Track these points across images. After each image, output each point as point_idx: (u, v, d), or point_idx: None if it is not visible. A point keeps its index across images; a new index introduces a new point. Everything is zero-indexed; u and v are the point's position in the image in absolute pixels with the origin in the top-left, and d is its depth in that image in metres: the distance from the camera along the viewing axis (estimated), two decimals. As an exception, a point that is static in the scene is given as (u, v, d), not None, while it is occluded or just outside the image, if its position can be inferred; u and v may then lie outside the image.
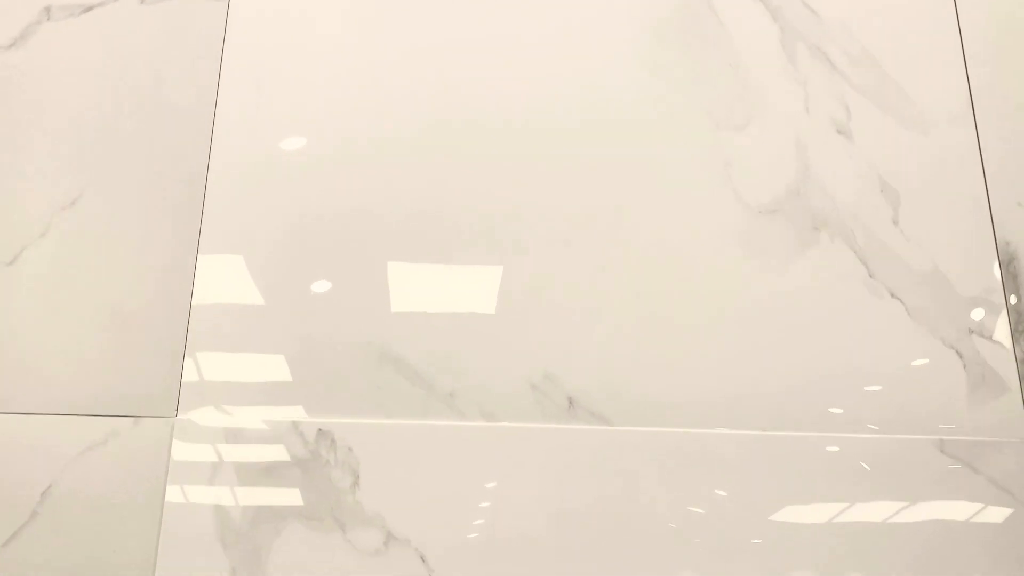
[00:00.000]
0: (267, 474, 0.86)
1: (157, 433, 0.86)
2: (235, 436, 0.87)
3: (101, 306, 0.90)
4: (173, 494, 0.84)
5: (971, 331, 0.98)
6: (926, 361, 0.96)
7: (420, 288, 0.94)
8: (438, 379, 0.91)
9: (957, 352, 0.96)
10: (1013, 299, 0.99)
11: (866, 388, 0.94)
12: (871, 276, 0.98)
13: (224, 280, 0.92)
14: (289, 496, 0.85)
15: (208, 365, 0.90)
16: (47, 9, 1.01)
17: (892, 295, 0.98)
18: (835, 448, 0.92)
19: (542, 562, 0.84)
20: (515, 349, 0.93)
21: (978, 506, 0.92)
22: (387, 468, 0.88)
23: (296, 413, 0.89)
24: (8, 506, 0.82)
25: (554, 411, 0.91)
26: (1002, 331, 0.97)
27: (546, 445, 0.90)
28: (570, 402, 0.91)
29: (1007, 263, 1.00)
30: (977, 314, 0.98)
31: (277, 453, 0.87)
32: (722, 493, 0.89)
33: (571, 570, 0.84)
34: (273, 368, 0.90)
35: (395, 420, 0.89)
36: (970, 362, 0.96)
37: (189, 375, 0.88)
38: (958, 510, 0.91)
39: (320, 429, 0.88)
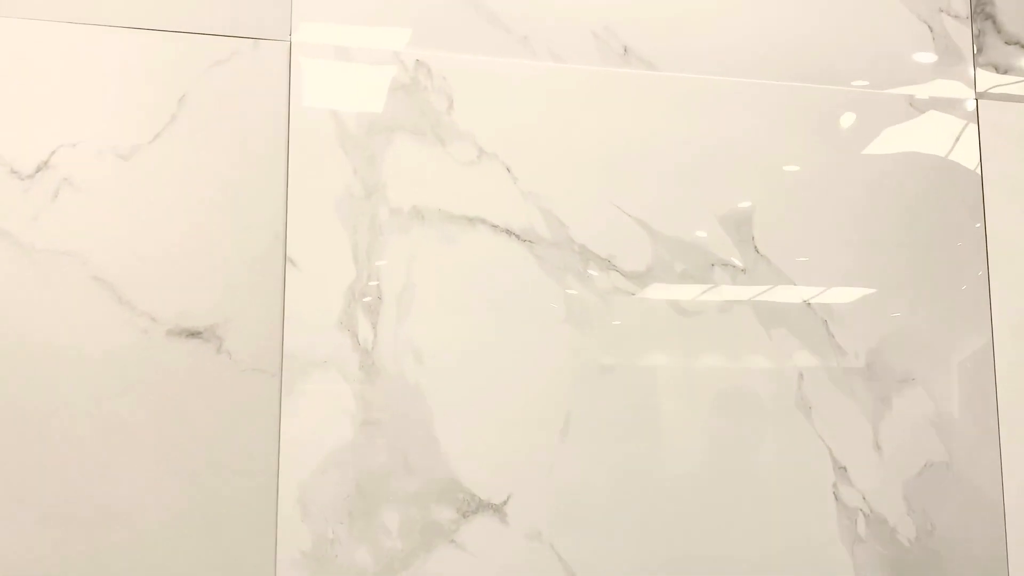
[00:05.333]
0: (375, 94, 1.00)
1: (274, 53, 0.97)
2: (345, 57, 0.98)
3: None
4: (296, 103, 0.96)
5: (940, 10, 1.17)
6: (905, 33, 1.16)
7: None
8: (515, 24, 1.04)
9: (929, 26, 1.17)
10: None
11: (859, 53, 1.15)
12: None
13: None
14: (395, 113, 1.00)
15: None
16: None
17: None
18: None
19: (598, 180, 1.04)
20: (580, 2, 1.07)
21: (941, 145, 1.17)
22: (477, 96, 1.02)
23: (396, 44, 1.01)
24: (146, 109, 0.93)
25: (612, 57, 1.07)
26: (963, 9, 1.18)
27: (604, 85, 1.07)
28: (625, 50, 1.07)
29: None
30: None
31: (383, 77, 1.00)
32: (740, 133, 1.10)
33: (616, 189, 1.04)
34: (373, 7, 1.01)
35: (482, 56, 1.03)
36: (938, 35, 1.17)
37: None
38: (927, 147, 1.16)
39: (418, 60, 1.01)
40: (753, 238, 1.07)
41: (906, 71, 1.15)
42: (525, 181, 1.01)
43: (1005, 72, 1.19)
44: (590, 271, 1.02)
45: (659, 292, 1.03)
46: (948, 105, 1.16)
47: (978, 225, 1.14)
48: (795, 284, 1.08)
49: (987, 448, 1.11)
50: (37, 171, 0.89)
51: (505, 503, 0.96)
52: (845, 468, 1.06)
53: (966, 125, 1.16)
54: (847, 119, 1.12)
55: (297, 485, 0.91)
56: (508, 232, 1.00)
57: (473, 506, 0.95)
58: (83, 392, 0.88)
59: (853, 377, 1.08)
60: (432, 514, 0.94)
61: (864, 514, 1.06)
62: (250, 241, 0.94)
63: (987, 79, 1.18)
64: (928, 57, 1.16)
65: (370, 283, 0.96)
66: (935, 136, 1.15)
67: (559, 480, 0.98)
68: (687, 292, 1.04)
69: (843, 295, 1.09)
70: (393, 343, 0.95)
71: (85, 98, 0.92)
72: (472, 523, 0.95)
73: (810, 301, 1.08)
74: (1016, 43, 1.20)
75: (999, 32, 1.19)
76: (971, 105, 1.16)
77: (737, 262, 1.06)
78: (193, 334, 0.91)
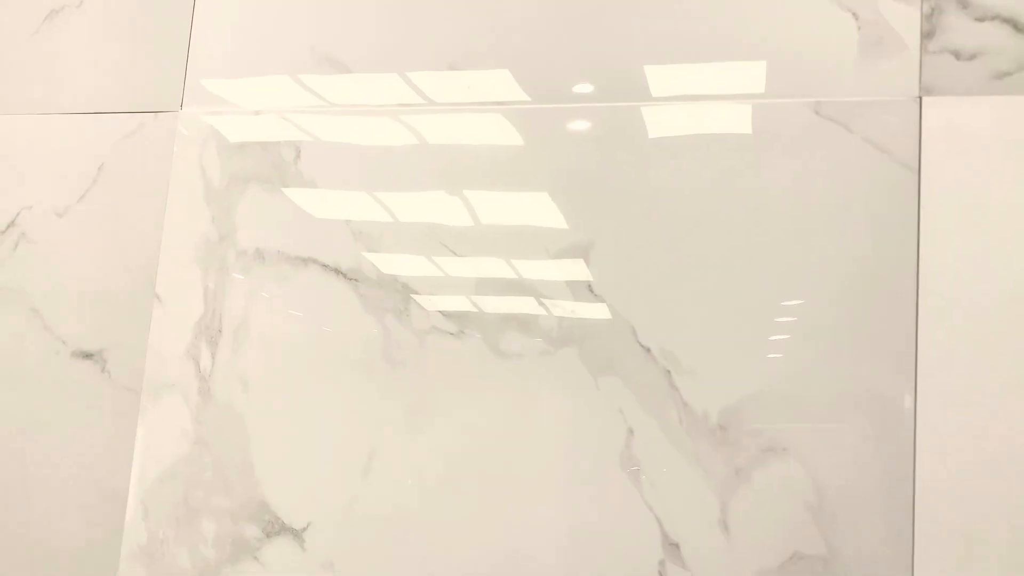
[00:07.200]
0: (240, 149, 1.12)
1: (169, 123, 1.15)
2: (218, 118, 1.13)
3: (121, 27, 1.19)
4: (176, 164, 1.14)
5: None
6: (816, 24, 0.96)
7: None
8: (363, 67, 1.09)
9: (853, 13, 0.94)
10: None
11: (746, 54, 0.97)
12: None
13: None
14: (251, 165, 1.11)
15: (203, 75, 1.15)
16: None
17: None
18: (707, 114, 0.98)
19: (429, 219, 1.04)
20: (437, 36, 1.08)
21: (850, 167, 0.94)
22: (325, 147, 1.10)
23: (260, 103, 1.13)
24: (76, 177, 1.17)
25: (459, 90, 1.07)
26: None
27: (444, 120, 1.07)
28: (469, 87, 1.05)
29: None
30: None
31: (245, 134, 1.13)
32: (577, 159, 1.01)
33: (445, 228, 1.03)
34: (246, 80, 1.14)
35: (336, 107, 1.10)
36: (866, 23, 0.94)
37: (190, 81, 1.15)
38: (829, 171, 0.95)
39: (276, 115, 1.12)
40: (589, 276, 0.97)
41: (810, 70, 0.94)
42: (358, 222, 1.05)
43: (971, 58, 0.91)
44: (411, 310, 1.02)
45: (478, 333, 0.99)
46: (868, 109, 0.92)
47: (906, 257, 0.89)
48: (635, 329, 0.95)
49: (892, 547, 0.85)
50: (7, 228, 1.19)
51: (304, 529, 1.01)
52: (677, 545, 0.90)
53: (896, 133, 0.91)
54: (723, 135, 0.96)
55: (142, 489, 1.07)
56: (336, 271, 1.05)
57: (276, 528, 1.02)
58: (10, 393, 1.14)
59: (699, 440, 0.91)
60: (242, 530, 1.03)
61: (698, 604, 0.89)
62: (133, 281, 1.12)
63: (941, 69, 0.91)
64: (846, 52, 0.94)
65: (214, 318, 1.08)
66: (845, 148, 0.92)
67: (356, 516, 1.00)
68: (508, 334, 0.99)
69: (695, 343, 0.93)
70: (226, 373, 1.07)
71: (37, 170, 1.19)
72: (274, 543, 1.02)
73: (651, 348, 0.94)
74: (995, 17, 0.91)
75: (965, 7, 0.91)
76: (909, 108, 0.91)
77: (567, 303, 0.97)
78: (88, 355, 1.12)
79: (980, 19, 0.91)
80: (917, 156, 0.91)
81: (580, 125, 1.01)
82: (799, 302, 0.91)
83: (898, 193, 0.90)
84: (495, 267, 1.00)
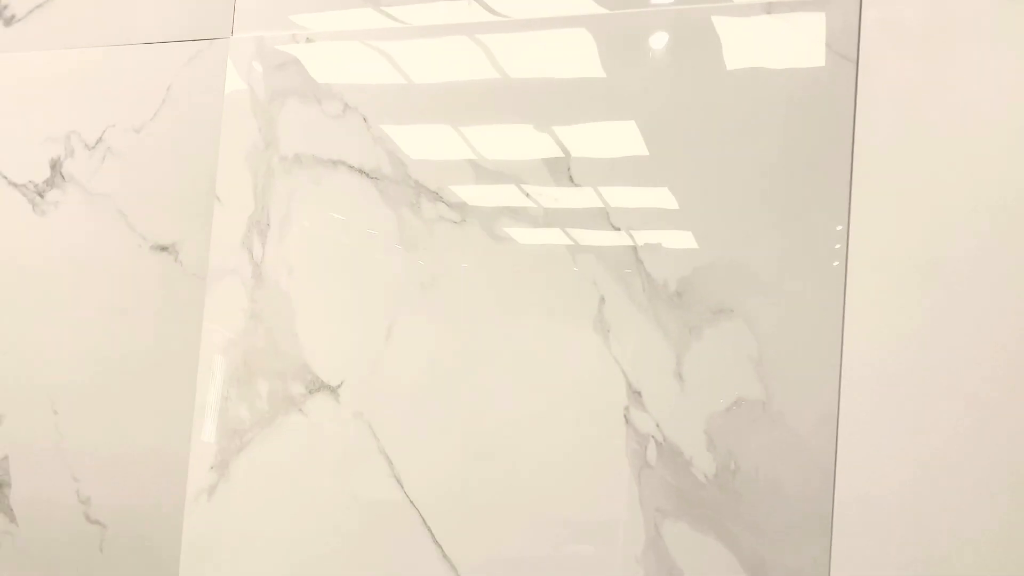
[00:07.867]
0: (280, 68, 1.31)
1: (222, 48, 1.34)
2: (260, 43, 1.31)
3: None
4: (229, 83, 1.33)
5: None
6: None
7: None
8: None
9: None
10: None
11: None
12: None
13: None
14: (289, 82, 1.30)
15: (250, 3, 1.34)
16: None
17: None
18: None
19: (439, 126, 1.20)
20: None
21: (795, 61, 1.05)
22: (348, 61, 1.27)
23: (295, 28, 1.30)
24: (149, 98, 1.38)
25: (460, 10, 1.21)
26: None
27: (452, 41, 1.22)
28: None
29: None
30: None
31: (284, 56, 1.31)
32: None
33: (453, 134, 1.19)
34: (285, 6, 1.31)
35: (353, 28, 1.27)
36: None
37: (239, 9, 1.34)
38: (777, 64, 1.06)
39: (308, 38, 1.29)
40: (569, 168, 1.12)
41: (762, -23, 1.05)
42: (377, 129, 1.23)
43: (909, -45, 1.00)
44: (421, 202, 1.19)
45: (477, 220, 1.16)
46: (813, 8, 1.02)
47: (843, 140, 1.00)
48: (608, 215, 1.10)
49: (820, 393, 0.99)
50: (96, 143, 1.41)
51: (339, 386, 1.21)
52: (640, 393, 1.06)
53: (838, 29, 1.01)
54: (687, 35, 1.08)
55: (209, 355, 1.29)
56: (361, 171, 1.23)
57: (316, 386, 1.23)
58: (102, 282, 1.38)
59: (659, 304, 1.06)
60: (289, 388, 1.24)
61: (656, 441, 1.05)
62: (197, 184, 1.33)
63: (880, -31, 1.00)
64: (794, -44, 1.04)
65: (263, 214, 1.28)
66: (789, 44, 1.03)
67: (381, 373, 1.19)
68: (502, 221, 1.15)
69: (658, 223, 1.07)
70: (274, 259, 1.27)
71: (119, 93, 1.40)
72: (315, 398, 1.23)
73: (621, 228, 1.09)
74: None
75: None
76: (850, 5, 1.01)
77: (552, 193, 1.13)
78: (164, 248, 1.35)
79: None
80: (856, 49, 1.01)
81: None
82: (748, 184, 1.04)
83: (838, 83, 1.01)
84: (493, 163, 1.16)
